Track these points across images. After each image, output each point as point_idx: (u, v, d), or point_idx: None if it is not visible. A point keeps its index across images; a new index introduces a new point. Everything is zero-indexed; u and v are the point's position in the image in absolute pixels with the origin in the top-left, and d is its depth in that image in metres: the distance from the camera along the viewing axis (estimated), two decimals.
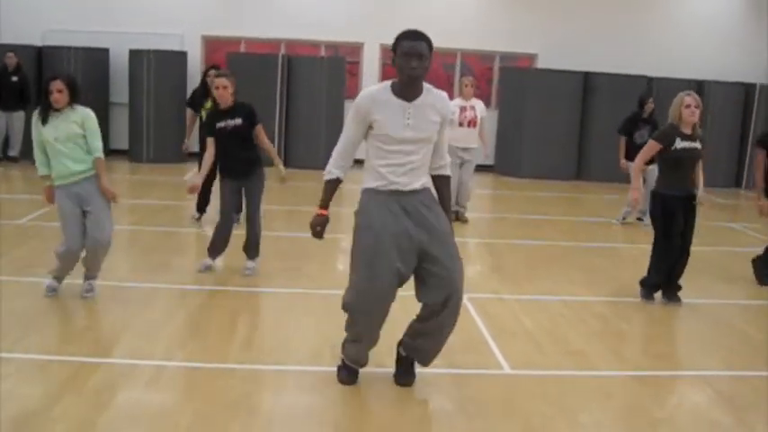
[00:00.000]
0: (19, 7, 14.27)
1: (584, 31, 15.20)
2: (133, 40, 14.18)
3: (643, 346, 5.79)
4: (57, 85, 5.65)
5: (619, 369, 5.13)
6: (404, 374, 4.63)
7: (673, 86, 14.64)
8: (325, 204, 4.38)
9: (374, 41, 15.00)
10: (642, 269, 6.76)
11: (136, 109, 14.19)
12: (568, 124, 14.84)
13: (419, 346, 4.51)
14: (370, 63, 15.20)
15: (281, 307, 6.11)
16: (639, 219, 10.03)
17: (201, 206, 9.03)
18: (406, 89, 4.18)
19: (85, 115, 5.77)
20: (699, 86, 14.72)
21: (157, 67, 13.88)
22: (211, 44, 15.27)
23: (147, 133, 14.17)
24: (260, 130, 6.79)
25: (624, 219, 10.21)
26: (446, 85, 10.07)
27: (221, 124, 6.68)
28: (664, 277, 6.55)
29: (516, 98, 14.84)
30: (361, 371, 4.70)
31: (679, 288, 6.66)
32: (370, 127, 4.22)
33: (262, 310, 6.14)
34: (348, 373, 4.63)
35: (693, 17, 15.63)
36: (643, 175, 10.00)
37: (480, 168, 13.76)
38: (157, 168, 13.47)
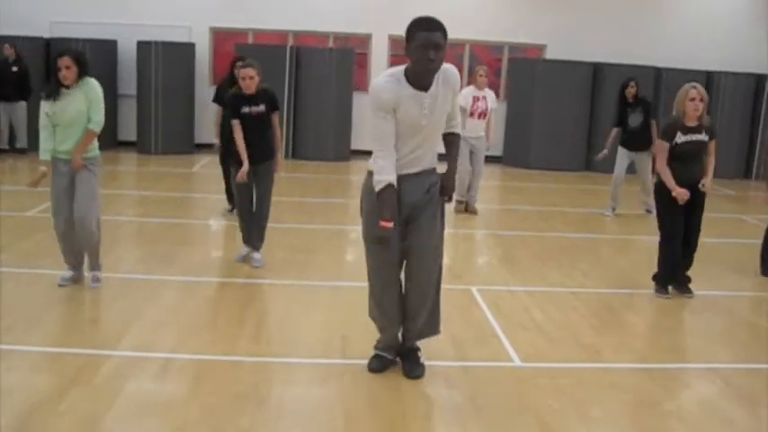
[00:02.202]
0: None
1: (593, 21, 15.10)
2: (141, 31, 14.15)
3: (654, 338, 5.75)
4: (65, 61, 5.60)
5: (630, 362, 5.10)
6: (412, 367, 4.61)
7: (682, 77, 14.62)
8: (390, 214, 4.11)
9: (383, 32, 14.93)
10: (653, 260, 6.71)
11: (144, 101, 14.16)
12: (577, 115, 14.76)
13: (407, 327, 4.60)
14: (379, 54, 15.13)
15: (289, 299, 6.09)
16: (648, 211, 9.98)
17: (232, 197, 8.97)
18: (422, 79, 4.11)
19: (90, 85, 5.73)
20: (708, 77, 14.61)
21: (165, 58, 13.86)
22: (219, 36, 15.23)
23: (156, 125, 14.15)
24: (275, 117, 6.75)
25: (614, 210, 10.22)
26: None
27: (246, 110, 6.60)
28: (671, 270, 6.49)
29: (525, 89, 14.76)
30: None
31: (689, 280, 6.61)
32: None
33: (270, 301, 6.12)
34: (378, 361, 4.64)
35: (703, 8, 15.49)
36: (631, 166, 10.03)
37: (488, 160, 13.73)
38: (165, 160, 13.46)
